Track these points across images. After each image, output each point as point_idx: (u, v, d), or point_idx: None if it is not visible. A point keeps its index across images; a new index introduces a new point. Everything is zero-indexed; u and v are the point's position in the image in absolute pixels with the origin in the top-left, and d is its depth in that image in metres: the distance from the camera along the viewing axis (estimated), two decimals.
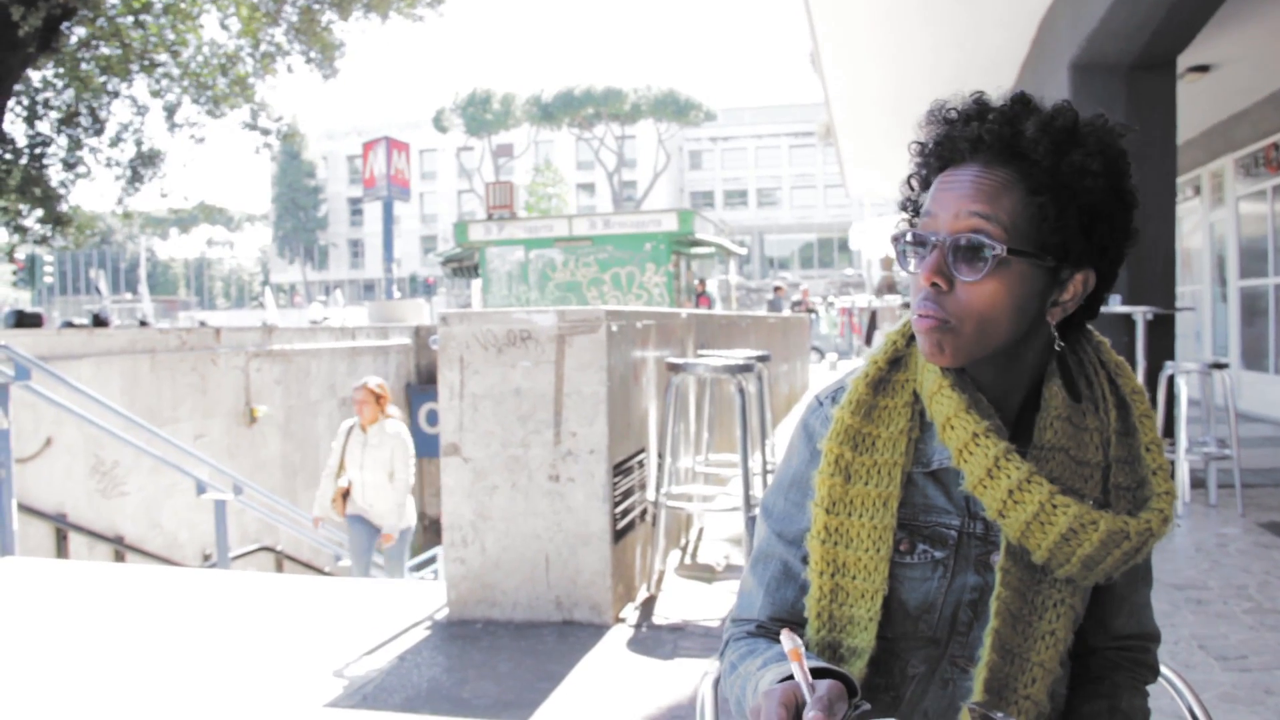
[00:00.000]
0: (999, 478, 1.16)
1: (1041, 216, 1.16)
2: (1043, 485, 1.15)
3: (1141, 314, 6.46)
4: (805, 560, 1.31)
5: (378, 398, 6.79)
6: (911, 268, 1.21)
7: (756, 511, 1.46)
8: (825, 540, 1.27)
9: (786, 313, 18.64)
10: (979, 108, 1.21)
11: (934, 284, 1.16)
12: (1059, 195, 1.16)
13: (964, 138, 1.19)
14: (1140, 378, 6.33)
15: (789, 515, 1.34)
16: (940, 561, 1.25)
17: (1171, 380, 6.18)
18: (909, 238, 1.22)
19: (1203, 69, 8.52)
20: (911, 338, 1.32)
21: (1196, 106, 9.85)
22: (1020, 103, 1.21)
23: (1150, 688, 1.39)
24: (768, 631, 1.34)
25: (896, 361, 1.32)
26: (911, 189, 1.30)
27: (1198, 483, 6.37)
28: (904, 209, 1.31)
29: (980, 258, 1.15)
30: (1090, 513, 1.14)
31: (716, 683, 1.44)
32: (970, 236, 1.15)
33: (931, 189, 1.22)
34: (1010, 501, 1.16)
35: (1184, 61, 7.11)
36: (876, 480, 1.26)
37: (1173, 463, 6.01)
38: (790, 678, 1.09)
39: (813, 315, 22.63)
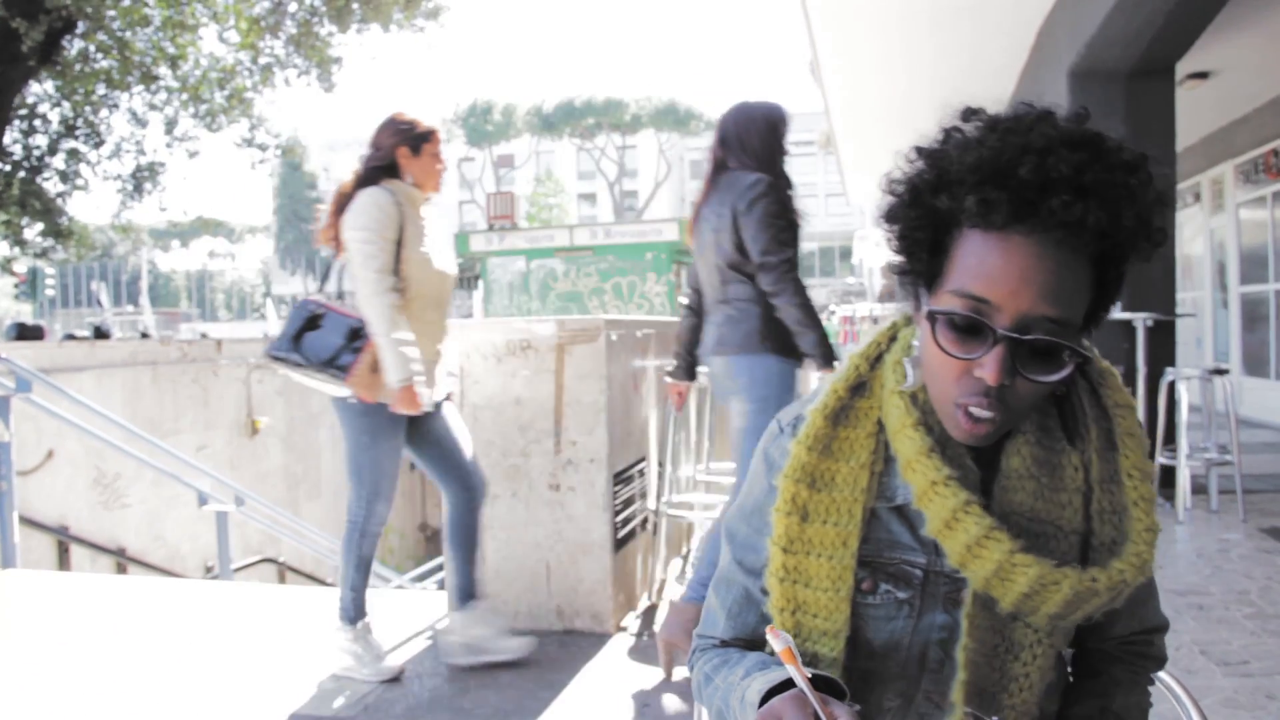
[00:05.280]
0: (957, 530, 1.07)
1: (1101, 286, 1.07)
2: (1001, 543, 1.05)
3: (1142, 320, 6.45)
4: (765, 591, 1.24)
5: None
6: (955, 351, 1.04)
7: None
8: (784, 579, 1.19)
9: None
10: (1060, 175, 0.97)
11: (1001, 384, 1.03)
12: (1123, 263, 1.06)
13: (1048, 215, 0.98)
14: (1141, 384, 6.39)
15: (750, 543, 1.28)
16: (905, 601, 1.18)
17: (1172, 386, 6.18)
18: (956, 320, 1.04)
19: (1202, 75, 8.53)
20: (875, 360, 1.23)
21: (1196, 113, 9.86)
22: (1110, 169, 0.99)
23: (1150, 692, 1.37)
24: (733, 647, 1.31)
25: (860, 387, 1.22)
26: (913, 224, 1.10)
27: (1199, 489, 6.36)
28: (907, 253, 1.13)
29: (1057, 361, 1.03)
30: (1051, 573, 1.05)
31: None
32: (1046, 341, 1.01)
33: (969, 250, 1.04)
34: (969, 555, 1.07)
35: (1183, 68, 7.12)
36: (835, 519, 1.17)
37: (1174, 469, 6.03)
38: (785, 684, 1.08)
39: None
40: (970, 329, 1.03)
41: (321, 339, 3.49)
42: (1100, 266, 1.04)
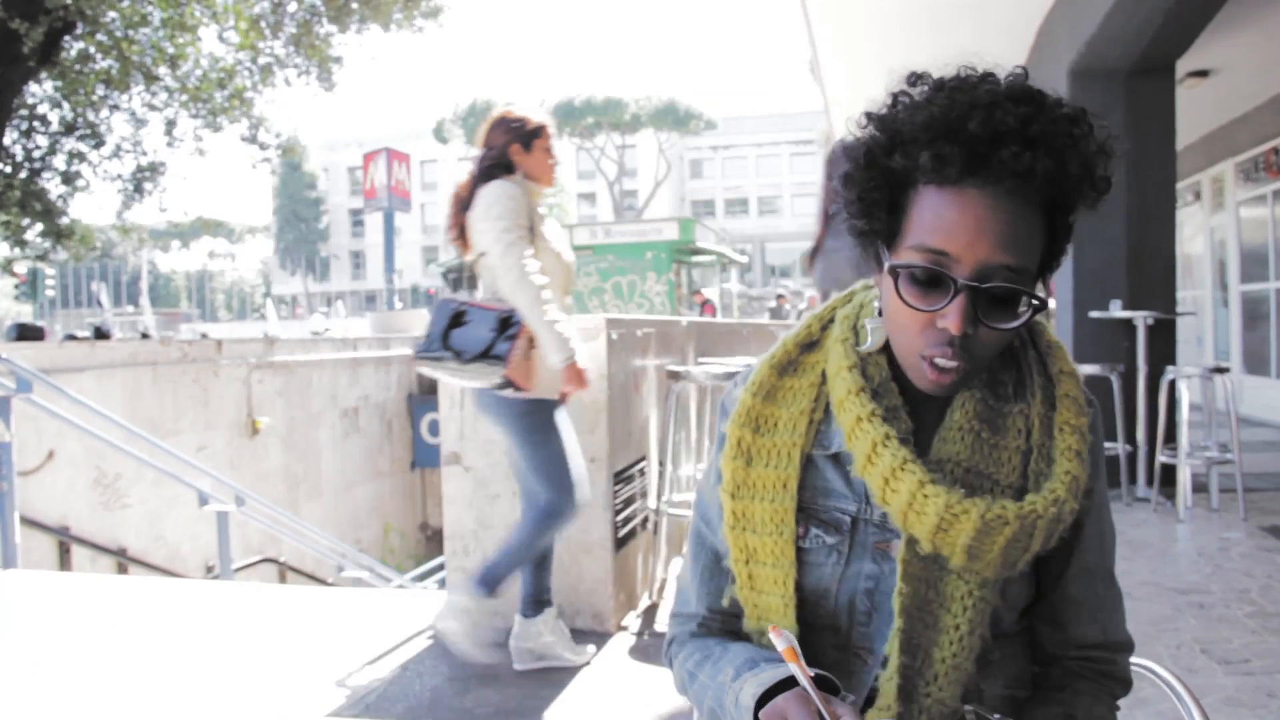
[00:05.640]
0: (877, 464, 1.12)
1: (1051, 236, 1.10)
2: (914, 473, 1.10)
3: (1142, 319, 6.46)
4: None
5: None
6: (918, 303, 1.08)
7: None
8: (734, 526, 1.24)
9: (791, 320, 18.69)
10: (1008, 127, 1.02)
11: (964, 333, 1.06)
12: (1071, 211, 1.10)
13: (999, 166, 1.03)
14: (1141, 383, 6.39)
15: (709, 499, 1.32)
16: (833, 547, 1.20)
17: (1173, 385, 6.18)
18: (917, 273, 1.08)
19: (1202, 74, 8.53)
20: (829, 322, 1.29)
21: (1196, 112, 9.86)
22: (1054, 120, 1.05)
23: (1152, 692, 1.36)
24: (709, 628, 1.34)
25: (810, 345, 1.28)
26: (869, 185, 1.14)
27: (1200, 487, 6.36)
28: (865, 215, 1.16)
29: (1015, 308, 1.07)
30: (961, 502, 1.08)
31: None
32: (1005, 288, 1.05)
33: (926, 206, 1.08)
34: (888, 489, 1.12)
35: (1183, 67, 7.13)
36: (776, 463, 1.22)
37: (1175, 467, 6.03)
38: (783, 685, 1.09)
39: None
40: (931, 281, 1.07)
41: (470, 334, 3.43)
42: (1050, 215, 1.08)
